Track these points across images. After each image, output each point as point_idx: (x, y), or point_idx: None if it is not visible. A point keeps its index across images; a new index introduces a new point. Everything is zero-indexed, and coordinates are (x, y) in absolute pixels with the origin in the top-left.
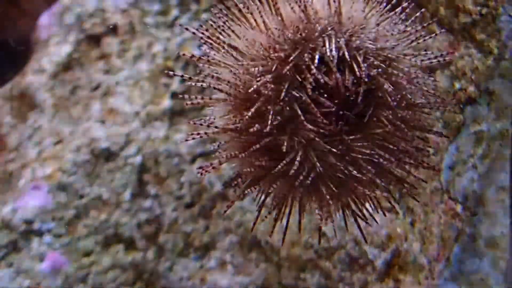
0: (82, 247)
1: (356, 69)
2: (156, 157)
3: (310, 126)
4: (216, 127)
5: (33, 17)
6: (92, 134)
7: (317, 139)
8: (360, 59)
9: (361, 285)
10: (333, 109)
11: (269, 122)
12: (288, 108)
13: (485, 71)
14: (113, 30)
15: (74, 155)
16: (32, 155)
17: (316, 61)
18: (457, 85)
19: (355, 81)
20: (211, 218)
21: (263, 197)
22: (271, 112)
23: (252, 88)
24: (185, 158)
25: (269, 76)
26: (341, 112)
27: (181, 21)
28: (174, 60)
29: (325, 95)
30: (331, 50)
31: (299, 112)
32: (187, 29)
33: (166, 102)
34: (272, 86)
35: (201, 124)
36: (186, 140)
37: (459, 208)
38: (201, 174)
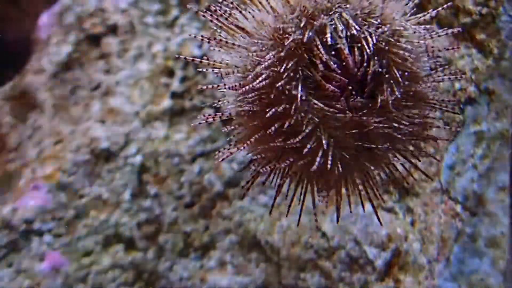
0: (82, 247)
1: (366, 46)
2: (156, 157)
3: (320, 104)
4: (230, 113)
5: (33, 17)
6: (92, 134)
7: (329, 114)
8: (370, 36)
9: (361, 285)
10: (345, 84)
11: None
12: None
13: (485, 71)
14: (113, 30)
15: (74, 155)
16: (32, 155)
17: (328, 39)
18: (457, 85)
19: (364, 57)
20: (211, 218)
21: (279, 179)
22: (282, 88)
23: (262, 66)
24: (185, 158)
25: (279, 54)
26: (348, 89)
27: (181, 21)
28: (174, 60)
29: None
30: (339, 28)
31: (299, 90)
32: (197, 12)
33: (166, 102)
34: (283, 64)
35: (215, 109)
36: (200, 124)
37: (459, 208)
38: (222, 160)
